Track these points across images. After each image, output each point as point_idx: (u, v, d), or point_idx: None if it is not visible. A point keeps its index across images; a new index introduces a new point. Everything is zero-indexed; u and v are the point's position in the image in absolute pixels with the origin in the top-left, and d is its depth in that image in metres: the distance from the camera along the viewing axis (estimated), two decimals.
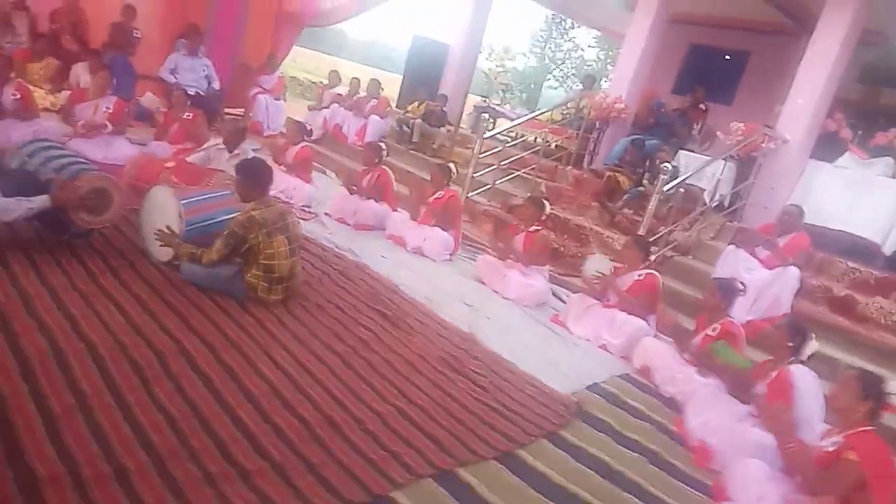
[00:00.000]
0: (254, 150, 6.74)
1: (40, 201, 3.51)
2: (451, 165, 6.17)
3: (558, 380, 3.88)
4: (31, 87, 6.26)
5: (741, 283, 4.39)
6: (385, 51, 49.14)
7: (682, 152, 7.52)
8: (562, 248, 6.50)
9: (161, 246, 3.83)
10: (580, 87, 11.24)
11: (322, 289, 4.33)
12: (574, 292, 5.33)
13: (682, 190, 6.29)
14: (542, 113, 9.78)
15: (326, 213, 6.33)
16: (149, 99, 8.10)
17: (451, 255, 5.94)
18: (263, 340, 3.33)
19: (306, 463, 2.42)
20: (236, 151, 5.77)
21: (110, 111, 6.14)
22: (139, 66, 8.13)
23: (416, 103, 9.81)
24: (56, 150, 3.95)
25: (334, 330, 3.72)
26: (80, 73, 7.41)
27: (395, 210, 6.28)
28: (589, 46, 38.85)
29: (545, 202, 5.52)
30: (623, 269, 4.92)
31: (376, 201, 6.23)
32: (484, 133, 7.53)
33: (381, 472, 2.49)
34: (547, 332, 4.75)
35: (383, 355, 3.56)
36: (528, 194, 6.52)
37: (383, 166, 6.38)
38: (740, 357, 4.00)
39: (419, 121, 9.41)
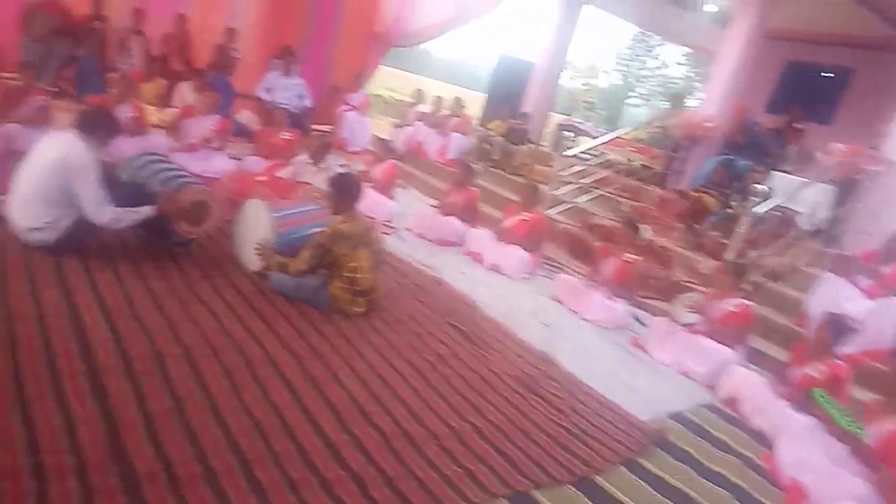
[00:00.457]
0: (339, 165, 6.97)
1: (147, 211, 3.78)
2: (540, 186, 6.16)
3: (638, 405, 3.76)
4: (142, 105, 6.76)
5: (852, 320, 4.11)
6: (468, 69, 49.70)
7: (775, 174, 7.17)
8: (647, 272, 6.32)
9: (258, 256, 4.02)
10: (666, 105, 10.96)
11: (401, 303, 4.40)
12: (656, 315, 5.16)
13: (775, 213, 6.00)
14: (627, 131, 9.59)
15: (407, 229, 6.44)
16: (245, 116, 8.56)
17: (529, 273, 5.90)
18: (345, 351, 3.42)
19: (383, 475, 2.46)
20: (322, 166, 5.98)
21: (214, 128, 6.53)
22: (237, 84, 8.62)
23: (498, 121, 9.85)
24: (162, 164, 4.23)
25: (413, 344, 3.77)
26: (186, 91, 7.94)
27: (475, 227, 6.32)
28: (676, 64, 37.87)
29: (641, 227, 5.39)
30: (714, 295, 4.72)
31: (460, 219, 6.28)
32: (565, 151, 7.47)
33: (456, 490, 2.49)
34: (626, 356, 4.63)
35: (460, 371, 3.57)
36: (622, 216, 6.39)
37: (472, 188, 6.45)
38: (846, 417, 3.60)
39: (500, 138, 9.45)
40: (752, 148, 8.01)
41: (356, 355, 3.42)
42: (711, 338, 4.48)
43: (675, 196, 7.84)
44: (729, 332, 4.48)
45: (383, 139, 7.47)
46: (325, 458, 2.47)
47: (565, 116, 12.06)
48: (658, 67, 39.87)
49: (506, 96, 11.21)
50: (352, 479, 2.39)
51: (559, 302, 5.36)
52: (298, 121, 8.36)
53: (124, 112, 5.94)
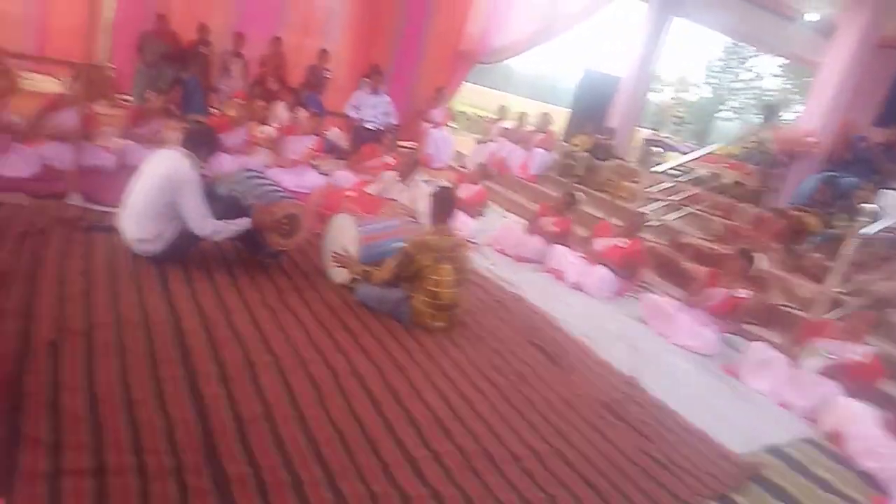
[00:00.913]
0: (423, 181, 7.07)
1: (243, 224, 3.96)
2: (644, 212, 6.01)
3: (731, 436, 3.56)
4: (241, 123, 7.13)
5: None
6: (551, 84, 49.36)
7: (885, 192, 6.65)
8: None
9: (339, 268, 4.13)
10: (760, 118, 10.43)
11: (483, 319, 4.38)
12: (750, 341, 4.88)
13: (885, 234, 5.56)
14: (719, 146, 9.20)
15: (488, 244, 6.43)
16: (334, 133, 8.87)
17: (612, 293, 5.74)
18: (427, 366, 3.44)
19: (464, 495, 2.44)
20: (409, 183, 6.07)
21: (314, 146, 6.81)
22: (327, 103, 8.97)
23: (583, 136, 9.72)
24: (258, 179, 4.43)
25: (493, 362, 3.74)
26: (280, 110, 8.32)
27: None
28: (772, 75, 36.04)
29: (754, 257, 5.15)
30: (845, 337, 4.40)
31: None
32: (653, 167, 7.25)
33: None
34: (719, 383, 4.40)
35: (541, 392, 3.51)
36: (736, 245, 6.08)
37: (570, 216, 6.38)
38: None
39: (585, 154, 9.31)
40: (858, 164, 7.49)
41: (437, 371, 3.43)
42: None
43: (772, 215, 7.42)
44: (857, 384, 4.15)
45: (482, 164, 7.50)
46: (407, 474, 2.48)
47: (653, 131, 11.72)
48: (752, 79, 38.09)
49: (590, 111, 11.06)
50: (432, 498, 2.38)
51: (645, 324, 5.18)
52: (385, 138, 8.55)
53: (238, 133, 6.30)
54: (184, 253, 3.95)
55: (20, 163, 4.72)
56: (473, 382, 3.40)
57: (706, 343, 4.83)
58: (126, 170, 4.90)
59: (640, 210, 6.15)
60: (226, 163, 5.80)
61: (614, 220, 6.87)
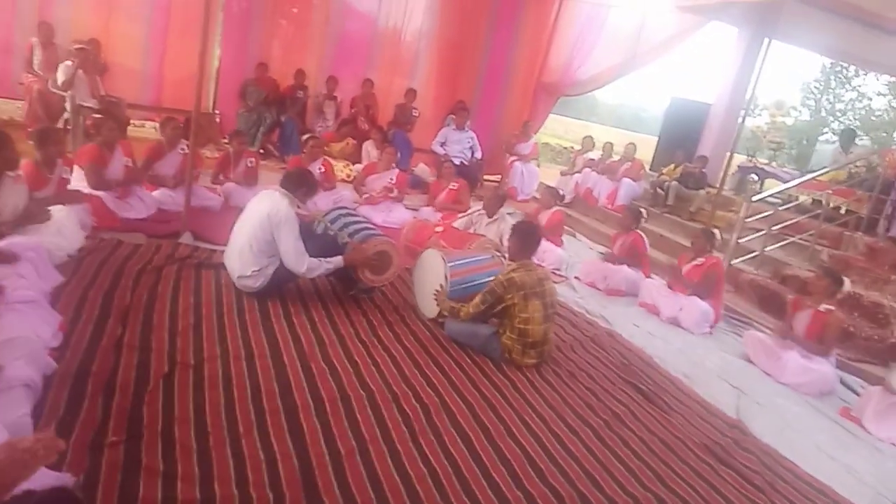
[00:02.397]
0: (508, 213, 7.08)
1: (336, 261, 4.10)
2: (715, 231, 5.77)
3: (852, 489, 3.28)
4: (333, 162, 7.45)
5: None
6: (635, 112, 48.51)
7: None
8: (852, 329, 5.56)
9: (429, 303, 4.17)
10: (866, 141, 9.73)
11: (573, 356, 4.29)
12: (871, 383, 4.49)
13: None
14: (823, 172, 8.64)
15: (576, 277, 6.33)
16: (421, 169, 9.08)
17: (711, 327, 5.47)
18: (518, 404, 3.39)
19: None
20: (495, 217, 6.10)
21: (394, 181, 7.00)
22: (415, 140, 9.21)
23: (673, 165, 9.43)
24: (350, 217, 4.59)
25: (586, 400, 3.63)
26: (369, 148, 8.63)
27: (648, 276, 6.03)
28: (878, 94, 33.70)
29: (843, 277, 4.82)
30: None
31: (629, 266, 6.06)
32: (750, 195, 6.91)
33: None
34: (836, 429, 4.06)
35: (638, 433, 3.36)
36: (820, 266, 5.75)
37: (638, 231, 6.22)
38: None
39: (675, 183, 9.01)
40: None
41: (528, 409, 3.37)
42: None
43: (887, 244, 6.87)
44: None
45: (549, 187, 7.48)
46: None
47: (749, 158, 11.19)
48: (855, 99, 35.78)
49: (680, 139, 10.72)
50: None
51: (749, 361, 4.88)
52: (471, 173, 8.67)
53: (314, 168, 6.56)
54: (282, 289, 4.13)
55: (139, 205, 5.13)
56: (566, 422, 3.32)
57: (818, 382, 4.50)
58: (231, 210, 5.23)
59: (712, 229, 5.84)
60: (321, 202, 6.04)
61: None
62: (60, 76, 6.76)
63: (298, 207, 4.14)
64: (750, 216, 6.91)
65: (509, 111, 10.50)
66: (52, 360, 2.65)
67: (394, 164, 7.30)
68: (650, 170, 10.58)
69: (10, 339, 2.27)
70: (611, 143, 10.48)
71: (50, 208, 3.89)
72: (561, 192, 7.38)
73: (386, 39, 9.76)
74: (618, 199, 9.12)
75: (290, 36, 9.23)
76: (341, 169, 8.13)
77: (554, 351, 4.13)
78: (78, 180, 4.76)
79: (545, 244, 6.47)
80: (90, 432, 2.35)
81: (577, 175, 10.04)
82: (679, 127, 11.26)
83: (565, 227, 7.47)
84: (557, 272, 6.26)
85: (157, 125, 6.12)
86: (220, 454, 2.42)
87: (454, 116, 9.41)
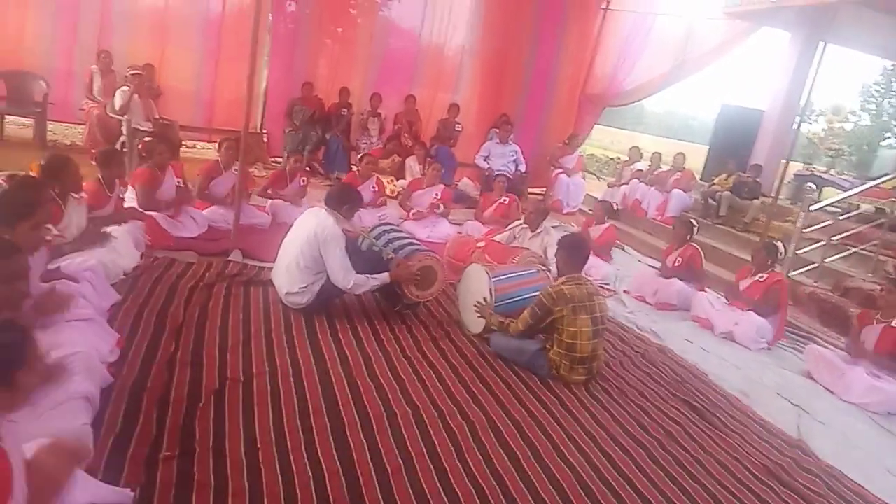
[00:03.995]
0: (553, 226, 7.01)
1: (381, 278, 4.12)
2: (778, 244, 5.57)
3: None
4: (379, 179, 7.52)
5: None
6: (684, 121, 47.58)
7: None
8: None
9: (479, 317, 4.14)
10: None
11: (623, 372, 4.18)
12: None
13: None
14: (887, 179, 8.28)
15: (625, 291, 6.19)
16: (465, 183, 9.09)
17: (768, 343, 5.26)
18: (566, 422, 3.31)
19: None
20: (539, 230, 6.04)
21: (439, 197, 7.03)
22: (458, 154, 9.25)
23: (725, 175, 9.18)
24: (395, 233, 4.62)
25: (638, 419, 3.53)
26: (412, 164, 8.70)
27: (702, 290, 5.85)
28: None
29: None
30: None
31: (681, 280, 5.89)
32: (808, 203, 6.65)
33: None
34: None
35: (693, 453, 3.24)
36: (887, 277, 5.49)
37: (694, 244, 6.06)
38: None
39: (727, 193, 8.76)
40: None
41: (577, 427, 3.29)
42: None
43: None
44: None
45: (602, 200, 7.37)
46: None
47: (805, 165, 10.82)
48: None
49: (731, 148, 10.45)
50: None
51: (810, 378, 4.67)
52: (515, 186, 8.63)
53: (366, 187, 6.66)
54: (328, 305, 4.17)
55: (191, 224, 5.28)
56: (617, 441, 3.22)
57: (888, 402, 4.25)
58: (279, 227, 5.33)
59: (775, 242, 5.62)
60: (364, 217, 6.10)
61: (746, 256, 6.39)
62: (118, 101, 7.06)
63: (344, 224, 4.18)
64: (808, 226, 6.66)
65: (553, 123, 10.44)
66: (110, 374, 2.73)
67: (440, 180, 7.33)
68: (701, 180, 10.34)
69: (71, 355, 2.34)
70: (659, 154, 10.29)
71: (109, 230, 4.04)
72: (615, 207, 7.21)
73: (429, 55, 9.86)
74: (668, 211, 8.93)
75: (336, 55, 9.43)
76: (386, 185, 8.20)
77: (603, 367, 4.03)
78: (132, 201, 4.93)
79: (593, 259, 6.37)
80: (145, 446, 2.40)
81: (624, 186, 9.89)
82: (731, 135, 10.99)
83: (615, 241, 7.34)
84: (605, 286, 6.14)
85: (217, 145, 6.33)
86: (269, 470, 2.44)
87: (497, 130, 9.41)
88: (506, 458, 2.85)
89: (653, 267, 6.89)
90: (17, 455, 1.49)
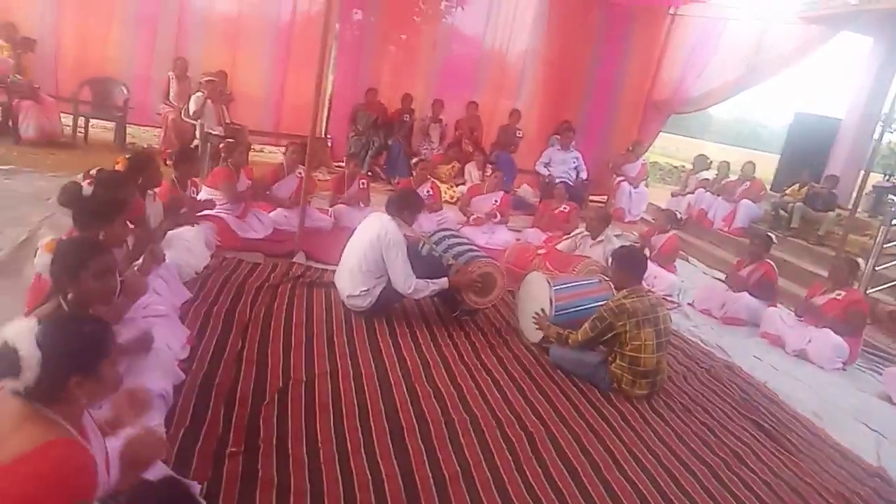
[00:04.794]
0: (616, 235, 6.87)
1: (441, 283, 4.13)
2: (858, 260, 5.31)
3: None
4: (438, 184, 7.57)
5: None
6: (753, 129, 45.93)
7: None
8: None
9: (537, 329, 4.10)
10: None
11: (687, 388, 4.05)
12: None
13: None
14: None
15: (690, 304, 6.01)
16: (525, 190, 9.03)
17: (844, 363, 4.99)
18: (627, 437, 3.23)
19: None
20: (600, 238, 5.93)
21: (497, 204, 7.00)
22: (518, 160, 9.19)
23: (797, 185, 8.79)
24: (454, 238, 4.61)
25: (702, 437, 3.41)
26: (471, 170, 8.71)
27: (772, 305, 5.61)
28: None
29: None
30: None
31: (752, 295, 5.66)
32: (892, 218, 6.29)
33: None
34: None
35: (762, 476, 3.11)
36: None
37: (769, 261, 5.81)
38: None
39: (800, 204, 8.38)
40: None
41: (639, 443, 3.20)
42: None
43: None
44: None
45: (666, 209, 7.18)
46: None
47: (886, 177, 10.24)
48: None
49: (805, 157, 10.02)
50: None
51: (890, 402, 4.40)
52: (576, 193, 8.51)
53: (421, 191, 6.69)
54: (388, 309, 4.21)
55: (257, 225, 5.44)
56: (680, 458, 3.12)
57: None
58: (342, 231, 5.42)
59: (856, 259, 5.34)
60: (424, 222, 6.14)
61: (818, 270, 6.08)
62: (192, 106, 7.36)
63: (405, 228, 4.21)
64: (889, 241, 6.29)
65: (617, 130, 10.24)
66: (181, 371, 2.84)
67: (501, 187, 7.30)
68: (771, 190, 9.94)
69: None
70: (727, 162, 9.94)
71: (182, 230, 4.22)
72: (679, 216, 6.99)
73: (491, 61, 9.85)
74: (736, 222, 8.62)
75: (399, 61, 9.54)
76: (445, 191, 8.24)
77: (667, 382, 3.91)
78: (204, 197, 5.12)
79: (656, 269, 6.21)
80: (213, 441, 2.48)
81: (689, 196, 9.60)
82: (804, 144, 10.54)
83: (679, 252, 7.13)
84: (669, 298, 5.96)
85: (283, 149, 6.54)
86: (330, 470, 2.47)
87: (559, 136, 9.30)
88: (565, 472, 2.80)
89: (720, 280, 6.66)
90: (99, 449, 1.57)
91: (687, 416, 3.63)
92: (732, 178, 9.53)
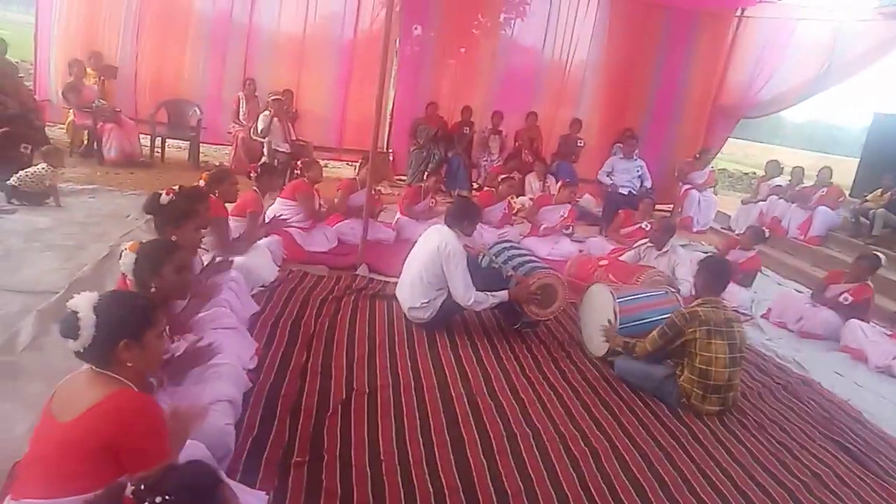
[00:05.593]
0: (681, 245, 6.66)
1: (501, 295, 4.10)
2: None
3: None
4: (498, 196, 7.52)
5: None
6: (828, 132, 43.68)
7: None
8: None
9: (603, 341, 4.01)
10: None
11: (762, 404, 3.86)
12: None
13: None
14: None
15: (763, 315, 5.74)
16: (586, 200, 8.88)
17: None
18: (697, 455, 3.11)
19: None
20: (665, 249, 5.76)
21: (566, 216, 6.91)
22: (580, 170, 9.07)
23: (880, 191, 8.30)
24: (515, 250, 4.58)
25: (779, 457, 3.24)
26: (532, 180, 8.65)
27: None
28: None
29: None
30: None
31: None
32: None
33: None
34: None
35: (847, 501, 2.93)
36: None
37: (870, 283, 5.49)
38: None
39: (882, 210, 7.90)
40: None
41: (710, 462, 3.07)
42: None
43: None
44: None
45: (755, 226, 6.87)
46: None
47: None
48: None
49: (887, 161, 9.44)
50: None
51: None
52: (640, 203, 8.31)
53: (497, 207, 6.70)
54: (449, 321, 4.22)
55: (322, 238, 5.57)
56: (755, 479, 2.98)
57: None
58: (403, 243, 5.48)
59: None
60: (486, 235, 6.13)
61: None
62: (260, 124, 7.64)
63: (465, 240, 4.21)
64: None
65: (682, 137, 9.95)
66: (249, 381, 2.92)
67: (572, 199, 7.19)
68: (850, 196, 9.42)
69: (219, 364, 2.54)
70: (801, 168, 9.49)
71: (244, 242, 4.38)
72: (766, 234, 6.65)
73: (551, 71, 9.79)
74: (812, 230, 8.21)
75: (459, 74, 9.60)
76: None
77: (739, 398, 3.75)
78: (272, 215, 5.28)
79: (732, 285, 5.93)
80: (279, 451, 2.54)
81: (761, 203, 9.20)
82: (886, 147, 9.97)
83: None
84: (741, 311, 5.71)
85: (357, 165, 6.70)
86: (392, 482, 2.49)
87: (621, 145, 9.12)
88: (631, 490, 2.72)
89: (798, 291, 6.34)
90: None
91: (762, 434, 3.46)
92: (807, 184, 9.09)
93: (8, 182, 5.30)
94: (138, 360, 1.73)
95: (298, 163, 6.05)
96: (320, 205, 5.65)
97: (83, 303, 1.68)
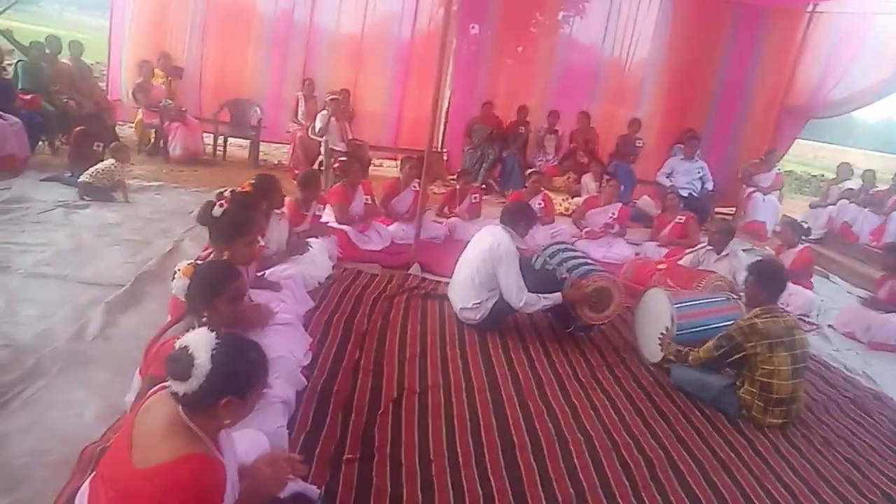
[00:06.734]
0: (743, 249, 6.42)
1: (554, 297, 4.05)
2: None
3: None
4: (551, 196, 7.46)
5: None
6: None
7: None
8: None
9: (654, 347, 3.90)
10: None
11: (828, 418, 3.68)
12: None
13: None
14: None
15: (830, 326, 5.48)
16: (644, 202, 8.67)
17: None
18: (758, 469, 2.99)
19: None
20: (725, 252, 5.56)
21: (614, 216, 6.78)
22: (639, 171, 8.86)
23: None
24: (569, 252, 4.51)
25: (846, 474, 3.08)
26: (588, 181, 8.51)
27: None
28: None
29: None
30: None
31: None
32: None
33: None
34: None
35: None
36: None
37: None
38: None
39: None
40: None
41: (772, 477, 2.95)
42: None
43: None
44: None
45: (793, 221, 6.61)
46: None
47: None
48: None
49: None
50: None
51: None
52: (700, 205, 8.08)
53: (531, 203, 6.61)
54: (501, 322, 4.19)
55: (376, 238, 5.63)
56: (820, 497, 2.84)
57: None
58: (455, 243, 5.48)
59: None
60: (539, 236, 6.06)
61: None
62: (318, 124, 7.79)
63: (519, 241, 4.18)
64: None
65: (746, 138, 9.59)
66: (304, 377, 2.98)
67: (617, 198, 7.06)
68: None
69: (273, 359, 2.58)
70: (872, 171, 9.02)
71: (308, 241, 4.45)
72: (806, 226, 6.39)
73: (610, 70, 9.61)
74: (886, 236, 7.77)
75: (515, 73, 9.53)
76: (560, 203, 8.11)
77: (803, 412, 3.58)
78: (328, 216, 5.37)
79: (791, 286, 5.70)
80: (331, 448, 2.58)
81: (830, 207, 8.77)
82: None
83: (817, 267, 6.53)
84: (806, 319, 5.47)
85: (399, 164, 6.72)
86: (441, 483, 2.49)
87: (682, 146, 8.86)
88: (687, 502, 2.64)
89: (859, 298, 6.03)
90: (232, 466, 1.66)
91: (827, 449, 3.30)
92: (881, 187, 8.62)
93: (80, 179, 5.58)
94: (234, 417, 1.61)
95: (335, 166, 6.02)
96: (366, 204, 5.68)
97: (201, 344, 1.54)
